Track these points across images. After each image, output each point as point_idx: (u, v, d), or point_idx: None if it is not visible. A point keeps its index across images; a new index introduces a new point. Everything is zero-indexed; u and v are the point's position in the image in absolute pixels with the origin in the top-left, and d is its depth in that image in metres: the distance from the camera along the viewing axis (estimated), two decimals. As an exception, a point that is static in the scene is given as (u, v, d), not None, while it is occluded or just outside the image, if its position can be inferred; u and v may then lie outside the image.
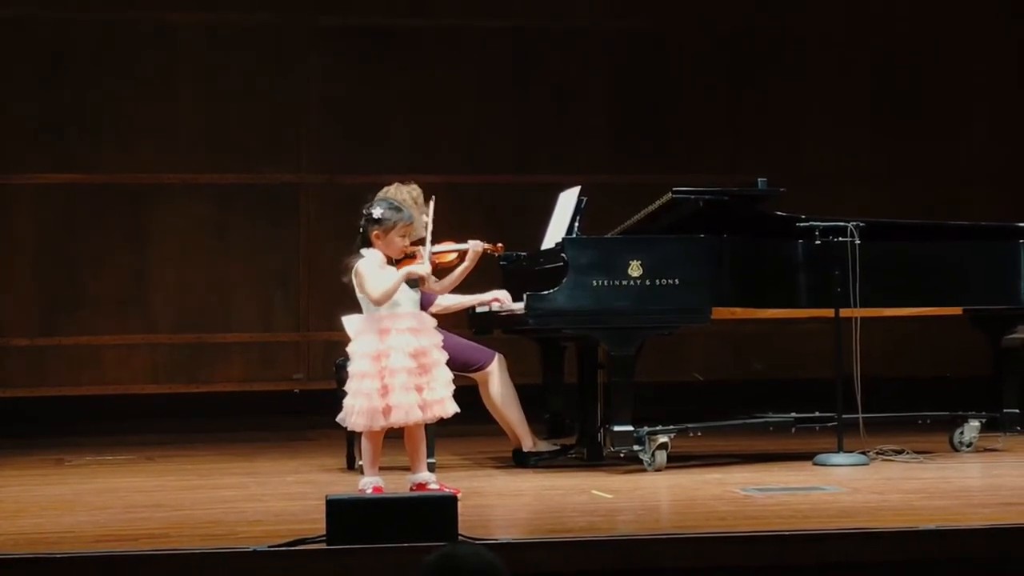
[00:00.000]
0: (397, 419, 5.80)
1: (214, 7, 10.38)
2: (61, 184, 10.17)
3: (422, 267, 5.92)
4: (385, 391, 5.79)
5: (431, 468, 6.29)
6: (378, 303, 5.85)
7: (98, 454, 8.32)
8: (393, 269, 5.91)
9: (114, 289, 10.22)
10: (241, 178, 10.37)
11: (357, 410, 5.83)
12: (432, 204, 6.20)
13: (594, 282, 6.82)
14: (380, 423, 5.82)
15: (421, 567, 3.17)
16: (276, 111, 10.44)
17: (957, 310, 7.63)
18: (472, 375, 7.21)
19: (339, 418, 5.95)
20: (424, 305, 6.23)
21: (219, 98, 10.35)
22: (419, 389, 5.82)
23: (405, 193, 7.04)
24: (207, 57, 10.37)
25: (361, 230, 5.92)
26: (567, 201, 7.34)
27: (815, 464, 7.03)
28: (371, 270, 5.85)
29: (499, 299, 7.30)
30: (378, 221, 5.89)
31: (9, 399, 9.97)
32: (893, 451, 7.26)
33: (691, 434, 7.14)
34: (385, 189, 7.04)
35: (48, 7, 10.18)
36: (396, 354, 5.79)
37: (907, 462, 7.11)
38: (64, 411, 9.89)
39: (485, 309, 7.41)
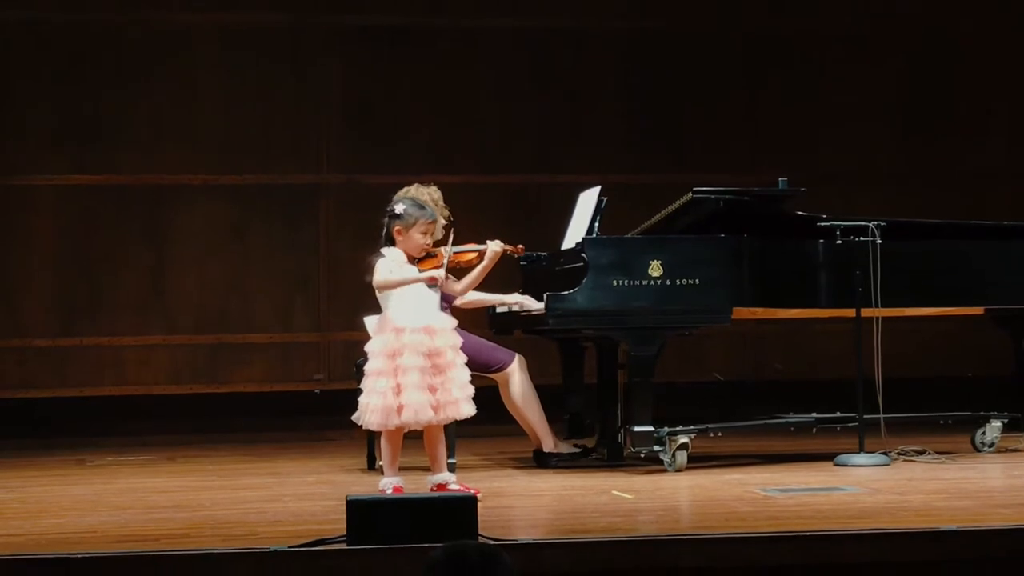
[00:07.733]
0: (407, 418, 5.78)
1: (233, 7, 10.39)
2: (81, 186, 10.19)
3: (437, 271, 5.91)
4: (399, 389, 5.78)
5: (451, 468, 6.29)
6: (378, 288, 5.85)
7: (119, 455, 8.35)
8: (413, 268, 5.91)
9: (134, 290, 10.24)
10: (260, 179, 10.38)
11: (371, 408, 5.82)
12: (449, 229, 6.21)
13: (614, 282, 6.81)
14: (394, 422, 5.80)
15: (427, 560, 3.18)
16: (295, 112, 10.44)
17: (979, 310, 7.61)
18: (492, 376, 7.21)
19: (355, 416, 5.95)
20: (447, 299, 6.21)
21: (238, 99, 10.37)
22: (432, 389, 5.80)
23: (425, 194, 7.03)
24: (226, 58, 10.38)
25: (384, 227, 5.94)
26: (587, 201, 7.33)
27: (836, 464, 7.01)
28: (386, 263, 5.87)
29: (520, 303, 7.31)
30: (399, 216, 5.91)
31: (31, 400, 10.00)
32: (914, 451, 7.24)
33: (711, 434, 7.13)
34: (406, 189, 7.03)
35: (66, 9, 10.20)
36: (409, 353, 5.78)
37: (928, 463, 7.09)
38: (85, 412, 9.90)
39: (505, 309, 7.42)
